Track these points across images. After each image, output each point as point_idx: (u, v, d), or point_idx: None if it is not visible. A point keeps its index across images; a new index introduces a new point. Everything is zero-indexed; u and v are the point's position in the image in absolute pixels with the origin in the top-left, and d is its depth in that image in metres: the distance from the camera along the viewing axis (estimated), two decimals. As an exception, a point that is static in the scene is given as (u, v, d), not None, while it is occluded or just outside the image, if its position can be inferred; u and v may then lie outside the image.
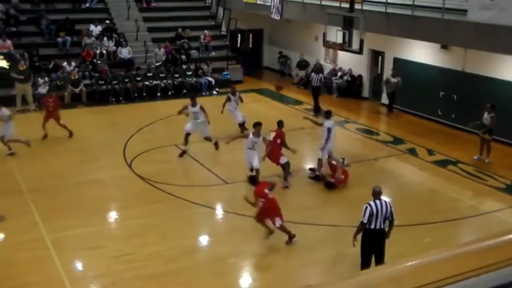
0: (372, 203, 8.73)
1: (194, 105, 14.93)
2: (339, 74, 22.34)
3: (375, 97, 21.38)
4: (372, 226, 8.72)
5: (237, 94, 17.01)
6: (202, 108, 14.90)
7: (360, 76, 21.76)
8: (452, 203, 12.38)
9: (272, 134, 13.04)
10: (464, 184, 13.54)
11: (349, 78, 21.94)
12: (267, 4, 22.56)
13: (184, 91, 21.84)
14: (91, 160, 14.52)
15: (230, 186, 12.87)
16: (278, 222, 9.96)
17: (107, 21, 23.42)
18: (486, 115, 14.46)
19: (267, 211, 10.00)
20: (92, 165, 14.18)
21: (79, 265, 9.81)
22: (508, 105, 15.76)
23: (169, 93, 21.62)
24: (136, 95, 21.05)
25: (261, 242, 10.45)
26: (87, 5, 24.28)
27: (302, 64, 23.97)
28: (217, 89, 22.45)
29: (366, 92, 21.76)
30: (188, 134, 14.74)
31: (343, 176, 13.09)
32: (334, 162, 13.26)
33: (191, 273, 9.41)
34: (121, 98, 20.64)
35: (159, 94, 21.44)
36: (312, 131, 17.26)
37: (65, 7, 23.80)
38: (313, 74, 19.90)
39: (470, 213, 11.78)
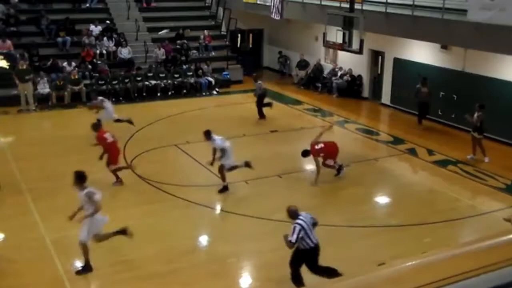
0: (299, 221, 8.45)
1: None
2: (339, 74, 22.35)
3: (375, 97, 21.38)
4: (314, 241, 8.49)
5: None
6: None
7: (360, 76, 21.76)
8: (452, 203, 12.38)
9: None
10: (464, 184, 13.54)
11: (349, 78, 21.94)
12: (267, 4, 22.55)
13: (184, 91, 21.86)
14: (91, 160, 14.49)
15: (230, 186, 12.86)
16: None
17: (107, 21, 23.44)
18: (475, 114, 14.52)
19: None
20: (92, 165, 14.15)
21: (79, 265, 9.79)
22: (508, 105, 15.78)
23: (169, 93, 21.63)
24: (136, 95, 21.05)
25: (261, 242, 10.45)
26: (87, 5, 24.28)
27: (302, 64, 23.97)
28: (217, 89, 22.47)
29: (366, 92, 21.76)
30: None
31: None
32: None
33: (191, 273, 9.41)
34: (121, 98, 20.64)
35: (159, 94, 21.44)
36: (311, 130, 17.28)
37: (65, 7, 23.80)
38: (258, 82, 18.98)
39: (470, 213, 11.78)
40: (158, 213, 11.58)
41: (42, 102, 19.58)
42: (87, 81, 20.82)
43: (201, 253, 10.48)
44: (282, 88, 23.36)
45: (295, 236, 8.34)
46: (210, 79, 22.39)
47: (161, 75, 21.76)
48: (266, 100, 18.57)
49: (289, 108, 20.32)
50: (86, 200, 8.99)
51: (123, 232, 9.62)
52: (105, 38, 22.43)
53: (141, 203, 12.01)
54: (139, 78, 21.32)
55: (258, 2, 23.75)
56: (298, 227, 8.36)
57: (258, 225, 11.15)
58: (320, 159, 13.01)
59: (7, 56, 20.06)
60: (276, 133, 16.68)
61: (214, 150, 12.58)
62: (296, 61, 24.59)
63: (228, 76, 23.35)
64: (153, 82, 21.50)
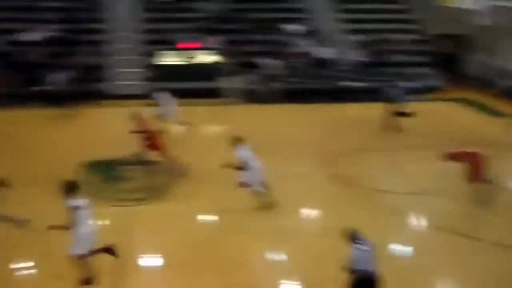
0: None
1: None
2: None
3: None
4: None
5: None
6: None
7: None
8: None
9: None
10: None
11: None
12: (471, 8, 21.46)
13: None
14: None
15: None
16: None
17: (307, 21, 24.19)
18: None
19: None
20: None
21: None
22: None
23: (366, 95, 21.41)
24: (334, 95, 21.09)
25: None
26: (287, 5, 25.31)
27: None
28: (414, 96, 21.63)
29: None
30: None
31: None
32: None
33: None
34: (318, 97, 20.92)
35: (357, 96, 21.15)
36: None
37: (264, 6, 24.86)
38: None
39: None
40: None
41: (247, 96, 20.84)
42: (291, 79, 21.60)
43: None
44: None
45: None
46: (407, 84, 21.81)
47: (360, 77, 21.86)
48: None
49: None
50: None
51: None
52: (303, 38, 23.13)
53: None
54: (337, 79, 21.60)
55: (461, 6, 22.62)
56: None
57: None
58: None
59: (219, 51, 21.90)
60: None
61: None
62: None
63: (426, 83, 22.50)
64: (352, 84, 21.65)
